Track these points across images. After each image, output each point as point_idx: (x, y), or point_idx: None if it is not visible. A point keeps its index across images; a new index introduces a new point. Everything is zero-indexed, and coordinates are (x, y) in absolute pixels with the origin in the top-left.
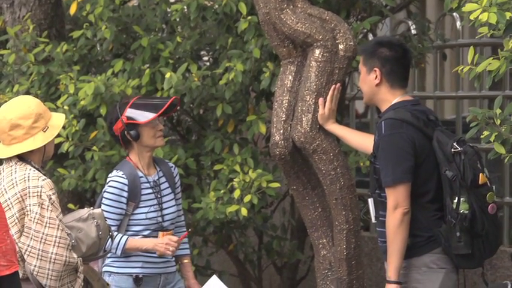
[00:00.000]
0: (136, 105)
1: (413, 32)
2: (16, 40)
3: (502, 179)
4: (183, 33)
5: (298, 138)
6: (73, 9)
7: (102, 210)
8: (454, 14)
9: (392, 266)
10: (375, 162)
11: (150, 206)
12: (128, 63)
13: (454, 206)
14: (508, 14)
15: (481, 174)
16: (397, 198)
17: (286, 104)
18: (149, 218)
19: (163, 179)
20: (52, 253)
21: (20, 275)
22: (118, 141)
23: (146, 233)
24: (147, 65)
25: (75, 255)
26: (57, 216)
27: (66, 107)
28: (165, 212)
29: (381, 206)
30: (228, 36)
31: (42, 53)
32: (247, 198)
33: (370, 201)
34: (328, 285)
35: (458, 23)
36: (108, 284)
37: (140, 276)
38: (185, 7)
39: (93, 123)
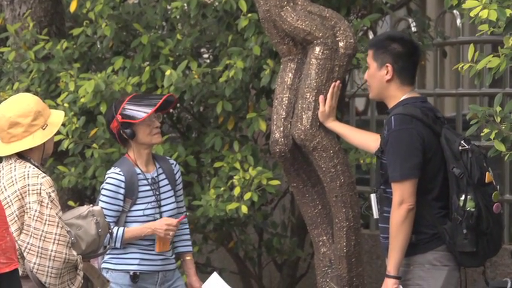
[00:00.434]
0: (131, 103)
1: (413, 29)
2: (16, 37)
3: (502, 176)
4: (183, 31)
5: (298, 135)
6: (73, 6)
7: (100, 206)
8: (454, 11)
9: (392, 261)
10: (382, 157)
11: (148, 202)
12: (128, 61)
13: (461, 204)
14: (508, 11)
15: (487, 173)
16: (403, 194)
17: (286, 102)
18: (146, 215)
19: (162, 176)
20: (52, 250)
21: (20, 273)
22: (116, 139)
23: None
24: (147, 63)
25: (74, 253)
26: (56, 214)
27: (66, 105)
28: (163, 208)
29: (385, 201)
30: (228, 34)
31: (42, 51)
32: (247, 196)
33: (373, 196)
34: (328, 282)
35: (458, 21)
36: (108, 281)
37: (137, 273)
38: (185, 4)
39: (93, 121)
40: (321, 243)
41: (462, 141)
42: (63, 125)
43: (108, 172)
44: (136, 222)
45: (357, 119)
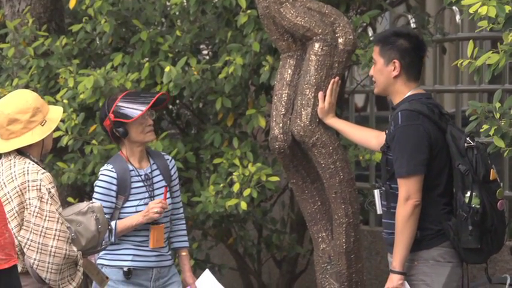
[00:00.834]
0: (124, 101)
1: (412, 25)
2: (15, 34)
3: (502, 172)
4: (183, 27)
5: (297, 132)
6: (72, 2)
7: None
8: (454, 7)
9: (398, 257)
10: (387, 152)
11: (141, 199)
12: (127, 57)
13: (467, 200)
14: (507, 8)
15: (492, 170)
16: (409, 190)
17: (286, 98)
18: (139, 211)
19: (156, 172)
20: (52, 246)
21: (20, 269)
22: (109, 137)
23: (137, 226)
24: (147, 59)
25: (74, 249)
26: (56, 210)
27: (65, 101)
28: None
29: (392, 197)
30: (228, 30)
31: (41, 47)
32: (246, 192)
33: (376, 192)
34: (328, 278)
35: (457, 17)
36: (107, 278)
37: (130, 269)
38: (184, 1)
39: (92, 117)
40: (320, 239)
41: (467, 138)
42: (63, 121)
43: (101, 169)
44: None
45: (356, 115)
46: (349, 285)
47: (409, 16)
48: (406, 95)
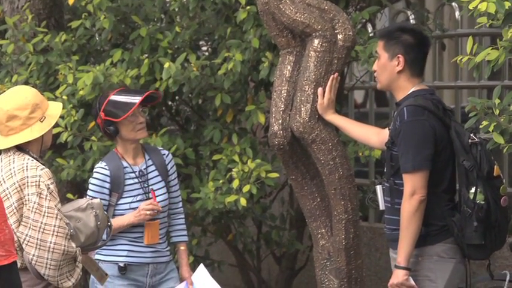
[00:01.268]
0: (114, 100)
1: (412, 22)
2: (15, 30)
3: (501, 169)
4: (182, 23)
5: (297, 128)
6: None
7: None
8: (453, 3)
9: (403, 252)
10: (392, 148)
11: (135, 195)
12: (126, 53)
13: (471, 196)
14: (507, 4)
15: (495, 167)
16: (414, 185)
17: (285, 94)
18: (133, 208)
19: (152, 168)
20: (51, 242)
21: (19, 265)
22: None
23: (129, 226)
24: (146, 55)
25: (73, 245)
26: (55, 206)
27: (65, 97)
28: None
29: (395, 193)
30: (227, 26)
31: (40, 43)
32: (246, 188)
33: (379, 188)
34: (327, 275)
35: (457, 13)
36: (106, 274)
37: (125, 265)
38: None
39: (91, 113)
40: (319, 235)
41: (471, 135)
42: (62, 117)
43: (95, 166)
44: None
45: (356, 111)
46: (349, 282)
47: (409, 12)
48: (410, 91)
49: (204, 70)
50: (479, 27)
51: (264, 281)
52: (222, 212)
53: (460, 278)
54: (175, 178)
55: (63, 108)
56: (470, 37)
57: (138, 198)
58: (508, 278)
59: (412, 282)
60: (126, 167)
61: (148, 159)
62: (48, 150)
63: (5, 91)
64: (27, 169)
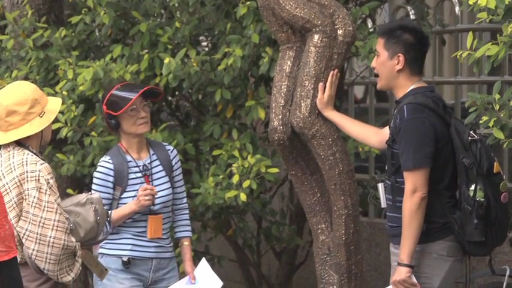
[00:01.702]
0: (115, 94)
1: (412, 17)
2: (15, 25)
3: (501, 164)
4: (182, 19)
5: (297, 123)
6: None
7: None
8: None
9: (405, 250)
10: (393, 146)
11: (139, 190)
12: (126, 49)
13: (471, 194)
14: None
15: (495, 163)
16: (416, 183)
17: (285, 90)
18: None
19: (156, 163)
20: (50, 237)
21: (19, 259)
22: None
23: (135, 216)
24: (146, 51)
25: (73, 239)
26: (55, 200)
27: (64, 92)
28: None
29: (397, 191)
30: (227, 22)
31: (40, 39)
32: (246, 184)
33: (380, 185)
34: (327, 270)
35: (457, 8)
36: (106, 269)
37: (129, 259)
38: None
39: (91, 109)
40: (319, 231)
41: (471, 132)
42: (62, 112)
43: (100, 160)
44: None
45: (356, 106)
46: (349, 277)
47: (409, 7)
48: (410, 89)
49: (204, 65)
50: (479, 22)
51: (264, 276)
52: (222, 207)
53: (456, 276)
54: (179, 174)
55: (63, 104)
56: (470, 32)
57: None
58: (507, 273)
59: (414, 279)
60: (130, 161)
61: (153, 154)
62: (48, 145)
63: (4, 86)
64: (26, 164)
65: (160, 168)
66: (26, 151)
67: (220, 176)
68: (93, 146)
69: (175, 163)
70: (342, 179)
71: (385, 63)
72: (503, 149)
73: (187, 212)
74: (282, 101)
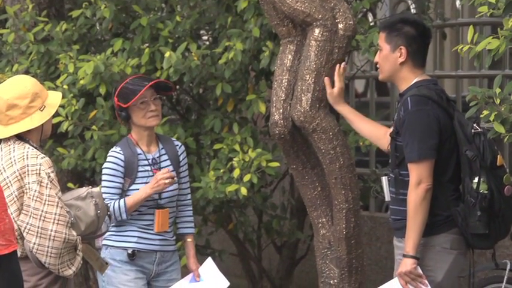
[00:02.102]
0: (126, 87)
1: (413, 11)
2: (15, 19)
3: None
4: (183, 13)
5: (297, 117)
6: None
7: (102, 185)
8: None
9: (411, 242)
10: (397, 139)
11: (146, 183)
12: (127, 43)
13: (475, 186)
14: None
15: (498, 156)
16: (420, 174)
17: (286, 83)
18: None
19: (165, 157)
20: (51, 230)
21: (19, 253)
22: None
23: (142, 209)
24: (147, 44)
25: (74, 233)
26: (56, 194)
27: (65, 86)
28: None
29: (400, 184)
30: (228, 16)
31: (41, 32)
32: (246, 178)
33: (384, 179)
34: (328, 264)
35: (458, 2)
36: (107, 263)
37: (135, 251)
38: None
39: (92, 103)
40: (320, 225)
41: (475, 125)
42: (63, 107)
43: (110, 151)
44: None
45: (357, 100)
46: (349, 271)
47: (409, 1)
48: (413, 82)
49: (205, 59)
50: (480, 16)
51: (265, 270)
52: (222, 201)
53: (459, 270)
54: (186, 170)
55: (63, 98)
56: (471, 26)
57: None
58: (508, 267)
59: (420, 271)
60: (140, 153)
61: (162, 148)
62: (49, 139)
63: (5, 80)
64: (27, 158)
65: (168, 162)
66: (27, 145)
67: (221, 170)
68: (94, 140)
69: (183, 159)
70: (342, 173)
71: (388, 56)
72: (504, 143)
73: (191, 208)
74: (283, 95)
